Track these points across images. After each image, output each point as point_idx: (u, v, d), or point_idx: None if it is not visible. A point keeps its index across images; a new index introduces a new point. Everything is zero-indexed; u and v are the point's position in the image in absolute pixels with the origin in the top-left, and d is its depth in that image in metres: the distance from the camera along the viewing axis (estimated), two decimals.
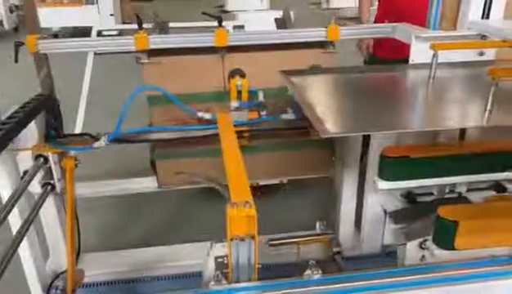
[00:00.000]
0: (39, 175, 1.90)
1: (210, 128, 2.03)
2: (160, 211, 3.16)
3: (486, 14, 2.04)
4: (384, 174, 1.88)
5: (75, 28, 8.76)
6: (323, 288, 1.12)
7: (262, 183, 2.51)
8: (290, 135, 2.26)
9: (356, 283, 1.14)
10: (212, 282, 1.14)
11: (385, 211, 2.06)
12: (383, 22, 2.48)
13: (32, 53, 1.98)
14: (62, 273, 2.11)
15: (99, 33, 4.36)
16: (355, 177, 2.31)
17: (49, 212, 2.09)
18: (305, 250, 2.12)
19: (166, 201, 3.18)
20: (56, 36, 8.10)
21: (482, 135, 1.98)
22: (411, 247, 1.64)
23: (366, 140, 2.14)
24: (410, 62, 1.99)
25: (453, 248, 1.45)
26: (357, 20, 3.24)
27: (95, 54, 3.96)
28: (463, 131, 1.96)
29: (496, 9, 2.03)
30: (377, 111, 1.57)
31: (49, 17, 7.70)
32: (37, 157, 1.89)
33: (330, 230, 2.21)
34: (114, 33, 5.87)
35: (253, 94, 2.12)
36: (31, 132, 1.87)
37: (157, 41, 2.05)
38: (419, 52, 1.94)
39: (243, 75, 2.15)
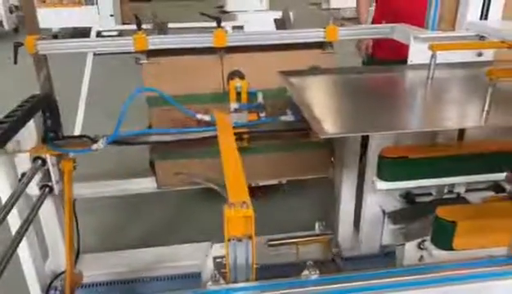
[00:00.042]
0: (37, 177, 1.89)
1: (209, 130, 2.03)
2: (159, 212, 3.16)
3: (484, 15, 2.05)
4: (382, 174, 1.89)
5: (75, 28, 8.77)
6: (321, 288, 1.12)
7: (261, 183, 2.52)
8: (290, 137, 2.26)
9: (354, 284, 1.14)
10: (209, 283, 1.14)
11: (384, 212, 2.07)
12: (381, 23, 2.48)
13: (31, 54, 1.98)
14: (61, 273, 2.11)
15: (98, 34, 4.36)
16: (354, 178, 2.31)
17: (48, 213, 2.09)
18: (304, 250, 2.13)
19: (165, 201, 3.18)
20: (55, 36, 8.12)
21: (480, 135, 1.98)
22: (410, 247, 1.64)
23: (365, 141, 2.14)
24: (409, 63, 2.00)
25: (451, 248, 1.45)
26: (356, 20, 3.24)
27: (94, 54, 3.96)
28: (461, 132, 1.97)
29: (495, 10, 2.04)
30: (376, 112, 1.57)
31: (49, 18, 7.74)
32: (35, 159, 1.88)
33: (329, 231, 2.22)
34: (114, 33, 5.89)
35: (252, 95, 2.12)
36: (29, 133, 1.87)
37: (156, 41, 2.05)
38: (418, 53, 1.94)
39: (242, 77, 2.15)
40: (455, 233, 1.43)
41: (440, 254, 1.48)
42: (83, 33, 7.89)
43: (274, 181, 2.55)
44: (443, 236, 1.48)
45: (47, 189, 1.95)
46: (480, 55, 2.01)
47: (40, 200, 1.90)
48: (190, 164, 2.29)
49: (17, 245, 1.62)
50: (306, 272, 1.15)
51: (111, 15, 8.38)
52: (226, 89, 2.16)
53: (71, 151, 1.98)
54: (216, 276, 1.15)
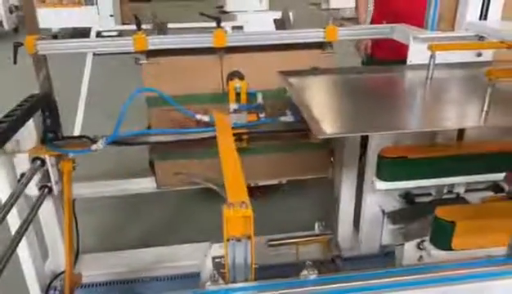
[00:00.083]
0: (36, 177, 1.88)
1: (208, 131, 2.03)
2: (159, 212, 3.16)
3: (483, 15, 2.05)
4: (382, 174, 1.89)
5: (75, 28, 8.77)
6: (320, 288, 1.12)
7: (261, 183, 2.52)
8: (289, 138, 2.26)
9: (353, 283, 1.14)
10: (208, 283, 1.14)
11: (383, 212, 2.07)
12: (380, 23, 2.48)
13: (30, 54, 1.98)
14: (61, 273, 2.11)
15: (98, 34, 4.37)
16: (353, 178, 2.31)
17: (47, 213, 2.09)
18: (304, 250, 2.12)
19: (165, 201, 3.18)
20: (55, 37, 8.12)
21: (480, 136, 1.99)
22: (409, 247, 1.65)
23: (365, 141, 2.14)
24: (408, 63, 2.00)
25: (450, 248, 1.45)
26: (356, 20, 3.24)
27: (94, 55, 3.96)
28: (461, 132, 1.97)
29: (494, 10, 2.04)
30: (375, 112, 1.57)
31: (49, 18, 7.74)
32: (34, 159, 1.88)
33: (328, 231, 2.22)
34: (114, 33, 5.90)
35: (251, 96, 2.12)
36: (29, 132, 1.87)
37: (155, 41, 2.05)
38: (417, 53, 1.94)
39: (242, 77, 2.15)
40: (454, 234, 1.43)
41: (439, 254, 1.48)
42: (82, 33, 7.89)
43: (274, 181, 2.55)
44: (442, 236, 1.48)
45: (47, 190, 1.95)
46: (479, 55, 2.01)
47: (39, 200, 1.90)
48: (190, 164, 2.29)
49: (17, 245, 1.62)
50: (305, 272, 1.15)
51: (111, 16, 8.38)
52: (225, 89, 2.16)
53: (70, 151, 1.98)
54: (215, 276, 1.15)
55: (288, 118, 2.12)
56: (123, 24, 8.35)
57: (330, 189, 2.47)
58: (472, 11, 2.05)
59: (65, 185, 2.00)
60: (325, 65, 2.16)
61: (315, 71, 2.07)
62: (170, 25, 3.17)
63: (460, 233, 1.43)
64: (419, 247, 1.63)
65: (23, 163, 1.87)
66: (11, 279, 1.61)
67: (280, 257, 2.15)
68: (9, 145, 1.79)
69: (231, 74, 2.16)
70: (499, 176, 1.85)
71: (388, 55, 2.68)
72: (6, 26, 9.33)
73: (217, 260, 1.51)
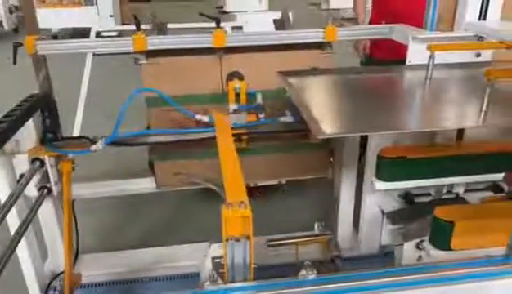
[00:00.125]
0: (35, 178, 1.88)
1: (208, 131, 2.03)
2: (159, 212, 3.16)
3: (483, 15, 2.05)
4: (381, 174, 1.89)
5: (75, 29, 8.77)
6: (318, 288, 1.12)
7: (260, 184, 2.52)
8: (289, 138, 2.26)
9: (351, 283, 1.14)
10: (207, 283, 1.14)
11: (383, 212, 2.07)
12: (379, 23, 2.48)
13: (30, 54, 1.98)
14: (60, 273, 2.11)
15: (98, 34, 4.37)
16: (353, 178, 2.31)
17: (47, 213, 2.09)
18: (304, 250, 2.12)
19: (164, 202, 3.18)
20: (55, 37, 8.12)
21: (479, 136, 1.99)
22: (408, 247, 1.65)
23: (364, 141, 2.15)
24: (408, 63, 2.00)
25: (449, 248, 1.46)
26: (356, 20, 3.24)
27: (94, 55, 3.96)
28: (460, 132, 1.97)
29: (493, 10, 2.04)
30: (374, 112, 1.57)
31: (48, 18, 7.74)
32: (33, 160, 1.88)
33: (328, 231, 2.22)
34: (113, 34, 5.90)
35: (251, 96, 2.13)
36: (28, 132, 1.87)
37: (155, 42, 2.06)
38: (417, 53, 1.95)
39: (241, 77, 2.15)
40: (453, 234, 1.44)
41: (438, 254, 1.48)
42: (82, 33, 7.89)
43: (273, 182, 2.55)
44: (441, 236, 1.48)
45: (46, 191, 1.95)
46: (478, 55, 2.01)
47: (38, 201, 1.90)
48: (190, 164, 2.29)
49: (16, 245, 1.62)
50: (303, 272, 1.15)
51: (111, 16, 8.38)
52: (225, 89, 2.16)
53: (70, 152, 1.98)
54: (214, 276, 1.15)
55: (287, 118, 2.12)
56: (123, 24, 8.35)
57: (330, 189, 2.47)
58: (471, 12, 2.05)
59: (64, 186, 2.00)
60: (324, 65, 2.16)
61: (314, 71, 2.07)
62: (170, 25, 3.17)
63: (459, 233, 1.43)
64: (418, 247, 1.63)
65: (22, 164, 1.86)
66: (10, 279, 1.61)
67: (279, 257, 2.15)
68: (8, 146, 1.79)
69: (231, 75, 2.16)
70: (498, 176, 1.85)
71: (387, 55, 2.68)
72: (5, 26, 9.33)
73: (216, 260, 1.51)
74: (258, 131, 2.13)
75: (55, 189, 1.98)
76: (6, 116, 1.67)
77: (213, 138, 1.88)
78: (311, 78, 1.93)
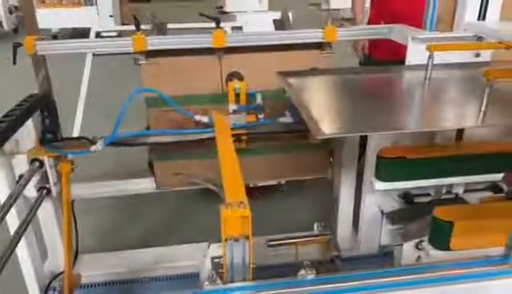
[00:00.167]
0: (35, 179, 1.88)
1: (207, 132, 2.03)
2: (158, 212, 3.16)
3: (482, 15, 2.05)
4: (380, 175, 1.89)
5: (74, 29, 8.77)
6: (317, 288, 1.12)
7: (260, 184, 2.52)
8: (288, 139, 2.26)
9: (350, 283, 1.14)
10: (206, 283, 1.14)
11: (382, 212, 2.07)
12: (378, 23, 2.48)
13: (30, 54, 1.98)
14: (60, 274, 2.11)
15: (97, 35, 4.37)
16: (353, 178, 2.31)
17: (46, 214, 2.09)
18: (303, 251, 2.13)
19: (164, 202, 3.18)
20: (55, 37, 8.12)
21: (478, 136, 1.99)
22: (408, 247, 1.65)
23: (364, 141, 2.15)
24: (407, 63, 2.00)
25: (448, 248, 1.46)
26: (353, 21, 3.24)
27: (94, 55, 3.97)
28: (459, 133, 1.97)
29: (492, 10, 2.04)
30: (374, 112, 1.58)
31: (48, 18, 7.73)
32: (32, 161, 1.88)
33: (328, 231, 2.23)
34: (113, 34, 5.90)
35: (251, 96, 2.13)
36: (28, 132, 1.86)
37: (155, 42, 2.06)
38: (416, 53, 1.95)
39: (241, 78, 2.15)
40: (452, 234, 1.44)
41: (437, 254, 1.48)
42: (82, 33, 7.88)
43: (273, 182, 2.55)
44: (440, 236, 1.48)
45: (45, 191, 1.95)
46: (478, 55, 2.01)
47: (38, 202, 1.89)
48: (189, 165, 2.29)
49: (15, 245, 1.62)
50: (302, 272, 1.15)
51: (111, 16, 8.38)
52: (224, 90, 2.17)
53: (69, 153, 1.97)
54: (213, 276, 1.15)
55: (287, 119, 2.12)
56: (123, 24, 8.34)
57: (330, 189, 2.47)
58: (470, 12, 2.06)
59: (63, 186, 2.00)
60: (324, 66, 2.17)
61: (314, 71, 2.08)
62: (170, 26, 3.17)
63: (458, 233, 1.43)
64: (417, 247, 1.63)
65: (21, 165, 1.86)
66: (10, 280, 1.61)
67: (279, 257, 2.15)
68: (8, 146, 1.79)
69: (231, 75, 2.17)
70: (497, 177, 1.85)
71: (386, 55, 2.68)
72: (5, 27, 9.33)
73: (215, 260, 1.51)
74: (258, 132, 2.13)
75: (54, 190, 1.98)
76: (5, 116, 1.66)
77: (213, 138, 1.88)
78: (310, 79, 1.93)
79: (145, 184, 2.36)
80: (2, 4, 9.18)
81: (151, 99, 2.14)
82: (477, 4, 2.04)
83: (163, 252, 2.41)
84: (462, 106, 1.66)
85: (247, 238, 1.13)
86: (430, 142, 1.96)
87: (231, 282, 1.17)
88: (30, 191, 1.88)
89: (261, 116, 2.11)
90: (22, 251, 1.91)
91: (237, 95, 2.10)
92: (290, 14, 4.00)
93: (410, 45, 1.97)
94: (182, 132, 2.10)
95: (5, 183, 1.81)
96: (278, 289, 1.12)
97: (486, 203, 1.78)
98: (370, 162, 2.04)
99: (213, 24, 2.18)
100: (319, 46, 2.19)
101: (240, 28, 4.81)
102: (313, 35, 2.14)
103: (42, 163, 1.90)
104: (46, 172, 1.94)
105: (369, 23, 3.08)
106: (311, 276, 1.15)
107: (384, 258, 2.25)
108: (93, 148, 1.93)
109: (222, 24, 2.19)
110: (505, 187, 1.86)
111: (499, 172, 1.83)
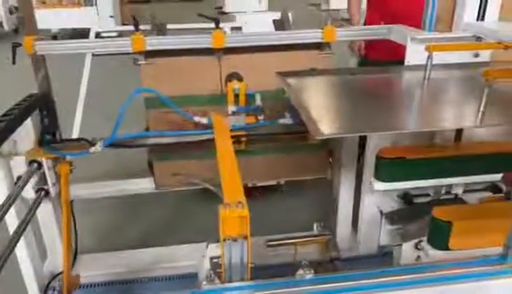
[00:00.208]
0: (33, 180, 1.88)
1: (206, 133, 2.03)
2: (157, 213, 3.16)
3: (481, 16, 2.05)
4: (380, 175, 1.89)
5: (74, 29, 8.76)
6: (316, 288, 1.12)
7: (259, 184, 2.52)
8: (288, 140, 2.26)
9: (349, 283, 1.14)
10: (204, 282, 1.14)
11: (382, 212, 2.07)
12: (375, 24, 2.48)
13: (29, 55, 1.98)
14: (59, 274, 2.11)
15: (97, 35, 4.37)
16: (352, 178, 2.31)
17: (46, 214, 2.09)
18: (302, 251, 2.12)
19: (163, 202, 3.18)
20: (55, 37, 8.12)
21: (477, 136, 1.99)
22: (407, 247, 1.65)
23: (363, 142, 2.15)
24: (406, 63, 2.00)
25: (447, 248, 1.46)
26: (349, 21, 3.23)
27: (93, 55, 3.97)
28: (459, 133, 1.97)
29: (491, 11, 2.04)
30: (373, 112, 1.58)
31: (48, 18, 7.71)
32: (30, 162, 1.87)
33: (327, 231, 2.22)
34: (113, 34, 5.89)
35: (250, 97, 2.12)
36: (26, 132, 1.86)
37: (154, 42, 2.06)
38: (415, 54, 1.95)
39: (240, 79, 2.15)
40: (450, 234, 1.44)
41: (436, 254, 1.48)
42: (82, 34, 7.88)
43: (272, 182, 2.55)
44: (439, 236, 1.48)
45: (43, 193, 1.94)
46: (477, 56, 2.01)
47: (36, 203, 1.89)
48: (188, 165, 2.29)
49: (14, 246, 1.62)
50: (301, 271, 1.15)
51: (111, 16, 8.37)
52: (224, 90, 2.17)
53: (68, 154, 1.97)
54: (211, 276, 1.15)
55: (287, 120, 2.12)
56: (123, 25, 8.33)
57: (329, 189, 2.48)
58: (469, 12, 2.06)
59: (62, 188, 1.99)
60: (323, 66, 2.17)
61: (313, 72, 2.08)
62: (169, 26, 3.17)
63: (457, 233, 1.43)
64: (416, 247, 1.63)
65: (19, 166, 1.86)
66: (9, 280, 1.61)
67: (278, 258, 2.15)
68: (6, 147, 1.78)
69: (230, 75, 2.17)
70: (497, 177, 1.85)
71: (382, 56, 2.67)
72: (6, 27, 9.33)
73: (214, 260, 1.51)
74: (257, 133, 2.13)
75: (52, 191, 1.98)
76: (4, 115, 1.66)
77: (212, 140, 1.88)
78: (309, 79, 1.93)
79: (145, 185, 2.36)
80: (2, 4, 9.18)
81: (150, 100, 2.14)
82: (476, 4, 2.05)
83: (162, 252, 2.42)
84: (461, 106, 1.66)
85: (245, 237, 1.13)
86: (429, 142, 1.96)
87: (229, 281, 1.17)
88: (29, 192, 1.87)
89: (260, 117, 2.11)
90: (21, 251, 1.91)
91: (236, 96, 2.09)
92: (290, 14, 4.01)
93: (409, 45, 1.98)
94: (181, 134, 2.10)
95: (3, 184, 1.81)
96: (276, 289, 1.12)
97: (484, 203, 1.78)
98: (369, 162, 2.04)
99: (212, 25, 2.18)
100: (318, 46, 2.20)
101: (239, 28, 4.80)
102: (312, 35, 2.14)
103: (40, 165, 1.90)
104: (44, 174, 1.93)
105: (365, 24, 3.07)
106: (309, 276, 1.15)
107: (384, 258, 2.25)
108: (92, 149, 1.93)
109: (221, 25, 2.19)
110: (503, 187, 1.86)
111: (498, 172, 1.82)
